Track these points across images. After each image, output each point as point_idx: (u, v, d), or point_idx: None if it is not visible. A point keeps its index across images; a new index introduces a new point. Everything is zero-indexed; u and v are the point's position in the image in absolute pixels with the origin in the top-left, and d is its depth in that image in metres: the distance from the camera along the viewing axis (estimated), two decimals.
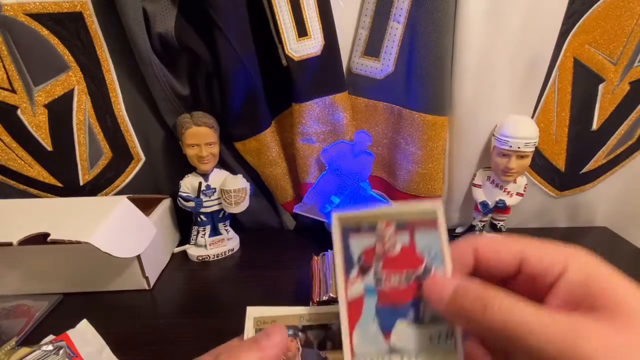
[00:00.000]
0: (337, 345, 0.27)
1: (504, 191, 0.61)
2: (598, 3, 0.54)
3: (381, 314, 0.22)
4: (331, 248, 0.52)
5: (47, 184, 0.62)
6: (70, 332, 0.42)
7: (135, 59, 0.53)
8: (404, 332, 0.22)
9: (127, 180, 0.64)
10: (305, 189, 0.64)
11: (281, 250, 0.65)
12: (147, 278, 0.54)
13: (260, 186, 0.67)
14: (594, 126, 0.62)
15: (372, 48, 0.58)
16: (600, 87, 0.59)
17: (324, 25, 0.55)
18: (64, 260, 0.51)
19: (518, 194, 0.61)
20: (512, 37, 0.54)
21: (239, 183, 0.59)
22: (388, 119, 0.63)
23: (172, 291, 0.55)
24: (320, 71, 0.57)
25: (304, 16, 0.53)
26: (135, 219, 0.54)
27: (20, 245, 0.46)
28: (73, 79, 0.56)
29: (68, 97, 0.57)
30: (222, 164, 0.63)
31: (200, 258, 0.61)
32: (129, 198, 0.55)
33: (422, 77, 0.56)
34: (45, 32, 0.52)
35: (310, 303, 0.45)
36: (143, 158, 0.64)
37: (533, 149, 0.57)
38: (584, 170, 0.66)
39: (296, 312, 0.27)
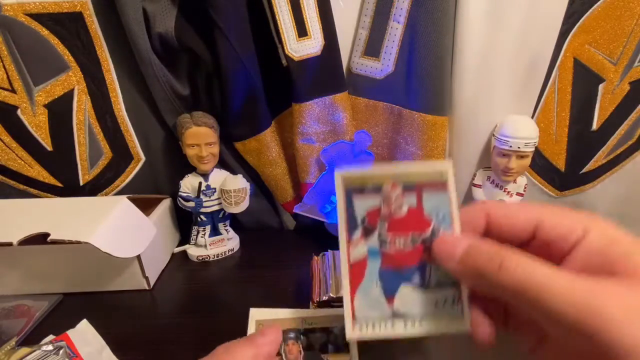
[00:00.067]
0: (339, 349, 0.27)
1: (504, 191, 0.61)
2: (598, 3, 0.54)
3: (385, 277, 0.21)
4: (331, 248, 0.52)
5: (47, 184, 0.62)
6: (70, 332, 0.42)
7: (135, 59, 0.53)
8: (408, 297, 0.21)
9: (127, 180, 0.64)
10: (305, 189, 0.64)
11: (281, 250, 0.65)
12: (147, 278, 0.54)
13: (260, 186, 0.67)
14: (594, 126, 0.62)
15: (372, 48, 0.58)
16: (600, 87, 0.59)
17: (324, 25, 0.55)
18: (64, 260, 0.51)
19: (518, 194, 0.61)
20: (512, 37, 0.54)
21: (239, 183, 0.59)
22: (388, 119, 0.62)
23: (172, 291, 0.55)
24: (320, 71, 0.57)
25: (304, 16, 0.53)
26: (135, 219, 0.54)
27: (20, 245, 0.46)
28: (73, 79, 0.56)
29: (68, 97, 0.57)
30: (222, 164, 0.63)
31: (200, 258, 0.61)
32: (129, 198, 0.55)
33: (422, 77, 0.56)
34: (45, 32, 0.52)
35: (310, 303, 0.44)
36: (143, 158, 0.64)
37: (533, 149, 0.57)
38: (584, 170, 0.66)
39: (298, 315, 0.27)
